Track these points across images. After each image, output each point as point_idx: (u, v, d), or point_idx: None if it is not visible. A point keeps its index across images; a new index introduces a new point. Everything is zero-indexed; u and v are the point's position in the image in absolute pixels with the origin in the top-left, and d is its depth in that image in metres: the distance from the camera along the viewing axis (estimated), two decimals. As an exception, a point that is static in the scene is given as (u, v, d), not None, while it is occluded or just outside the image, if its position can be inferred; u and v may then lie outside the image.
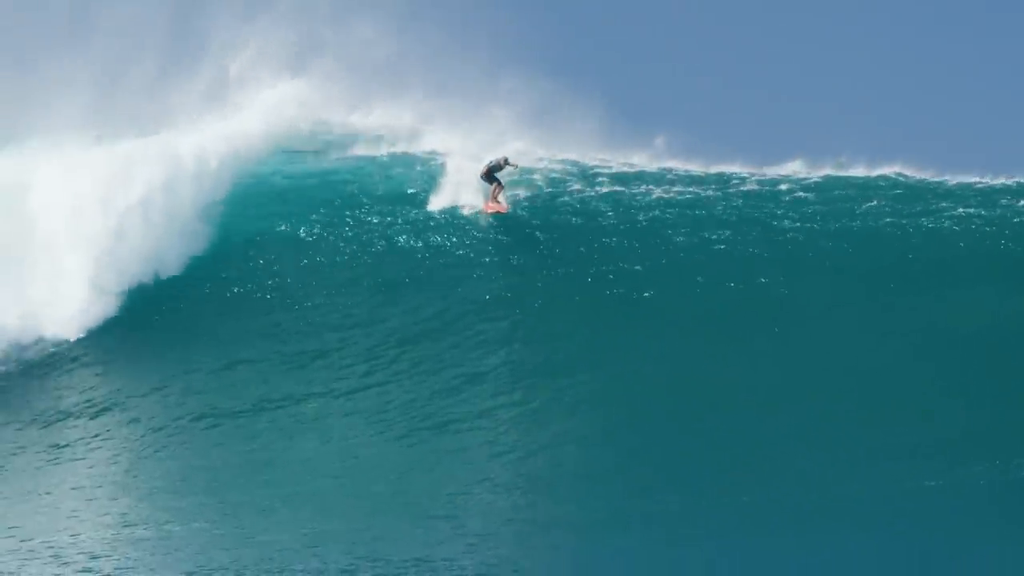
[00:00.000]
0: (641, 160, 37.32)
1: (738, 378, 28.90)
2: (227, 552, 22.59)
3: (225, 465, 27.33)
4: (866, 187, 34.86)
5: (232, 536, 23.60)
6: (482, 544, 23.25)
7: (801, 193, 34.87)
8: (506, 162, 35.02)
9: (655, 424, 27.74)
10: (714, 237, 33.49)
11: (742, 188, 35.46)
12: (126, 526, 23.97)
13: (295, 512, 24.67)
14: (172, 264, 34.35)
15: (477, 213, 34.71)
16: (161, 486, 26.34)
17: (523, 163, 35.68)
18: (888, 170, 35.38)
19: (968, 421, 27.06)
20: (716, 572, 22.76)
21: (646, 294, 31.89)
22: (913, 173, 35.23)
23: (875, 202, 34.01)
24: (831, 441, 26.81)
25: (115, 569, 21.72)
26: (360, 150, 38.30)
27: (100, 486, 26.34)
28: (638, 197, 35.51)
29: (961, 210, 33.17)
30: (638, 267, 32.89)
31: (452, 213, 35.42)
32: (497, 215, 34.50)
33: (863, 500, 25.10)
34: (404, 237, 34.97)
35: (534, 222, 34.86)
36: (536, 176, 36.45)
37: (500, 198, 34.93)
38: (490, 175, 35.10)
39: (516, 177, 35.40)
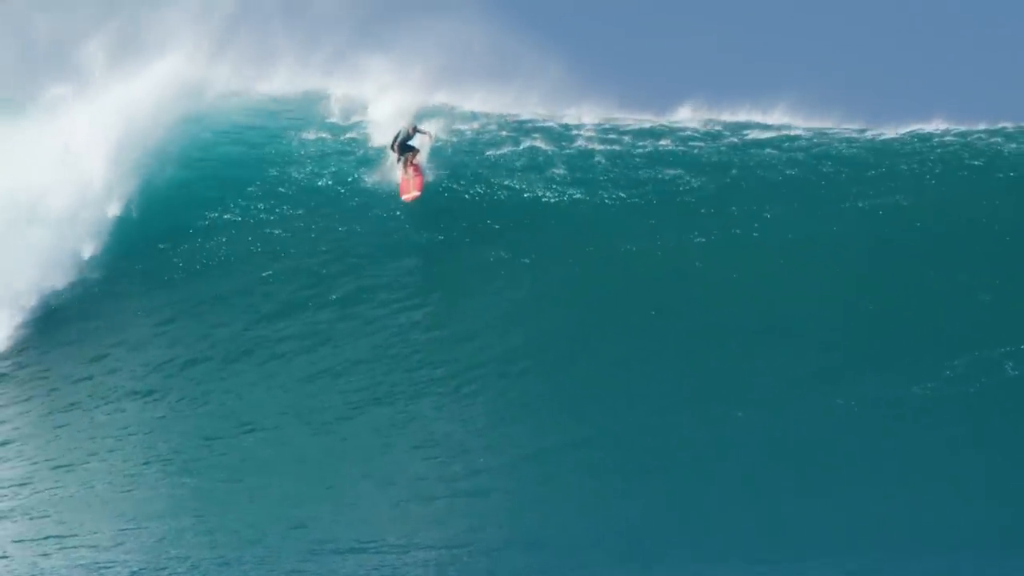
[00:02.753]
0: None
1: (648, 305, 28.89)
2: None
3: (167, 423, 27.21)
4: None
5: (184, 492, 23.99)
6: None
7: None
8: (415, 130, 32.64)
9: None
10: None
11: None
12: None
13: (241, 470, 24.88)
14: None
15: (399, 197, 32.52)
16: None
17: (434, 127, 33.43)
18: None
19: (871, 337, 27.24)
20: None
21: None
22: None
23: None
24: (738, 363, 26.94)
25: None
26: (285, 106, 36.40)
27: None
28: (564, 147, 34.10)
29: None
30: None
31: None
32: (415, 201, 32.24)
33: (773, 425, 25.24)
34: (319, 184, 33.79)
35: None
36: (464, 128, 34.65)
37: (417, 160, 32.39)
38: (403, 147, 32.59)
39: (437, 142, 33.28)
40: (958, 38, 43.20)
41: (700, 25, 43.78)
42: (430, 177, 32.54)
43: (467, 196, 32.70)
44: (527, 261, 30.65)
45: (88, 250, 32.63)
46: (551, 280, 30.01)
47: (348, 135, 34.80)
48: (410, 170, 32.65)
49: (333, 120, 35.16)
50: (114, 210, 32.96)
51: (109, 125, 33.69)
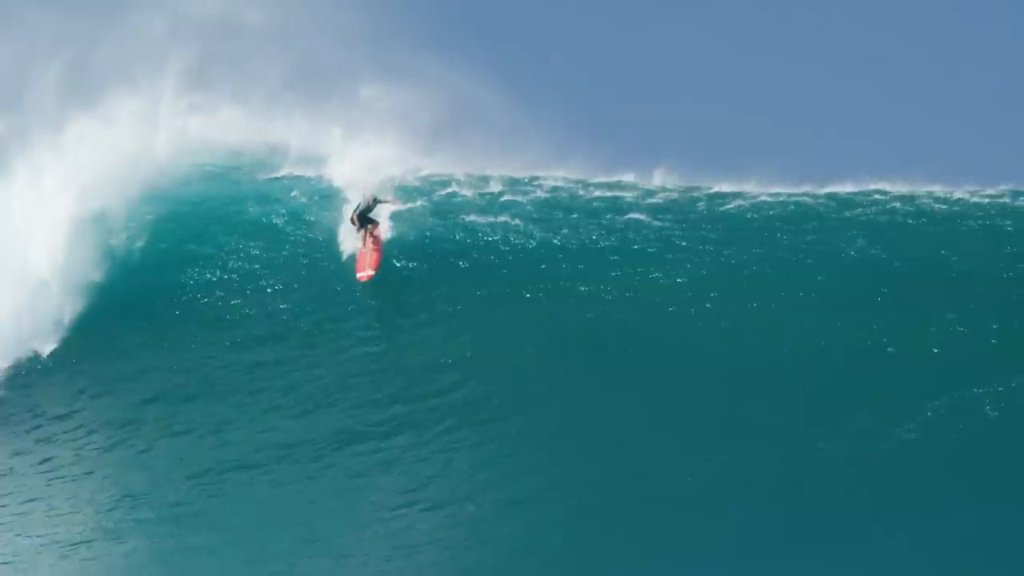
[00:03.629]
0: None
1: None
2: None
3: (150, 459, 26.98)
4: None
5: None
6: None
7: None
8: (375, 201, 31.49)
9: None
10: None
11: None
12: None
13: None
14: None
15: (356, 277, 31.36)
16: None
17: (390, 191, 32.79)
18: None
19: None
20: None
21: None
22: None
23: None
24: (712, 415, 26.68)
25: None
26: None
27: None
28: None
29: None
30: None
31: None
32: (368, 281, 31.12)
33: (757, 468, 25.17)
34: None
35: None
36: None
37: (377, 232, 31.24)
38: (363, 218, 31.37)
39: (400, 208, 32.51)
40: (927, 104, 43.83)
41: (679, 89, 44.00)
42: (392, 233, 31.96)
43: (429, 235, 32.39)
44: (495, 294, 30.55)
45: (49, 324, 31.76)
46: (519, 316, 29.85)
47: (310, 180, 34.49)
48: (369, 243, 31.47)
49: (295, 168, 34.80)
50: (71, 306, 31.75)
51: (60, 199, 32.60)
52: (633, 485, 24.82)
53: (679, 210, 32.23)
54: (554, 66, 43.88)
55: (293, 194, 34.06)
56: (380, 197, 31.78)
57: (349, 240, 31.88)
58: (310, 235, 32.70)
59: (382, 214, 31.78)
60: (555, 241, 31.64)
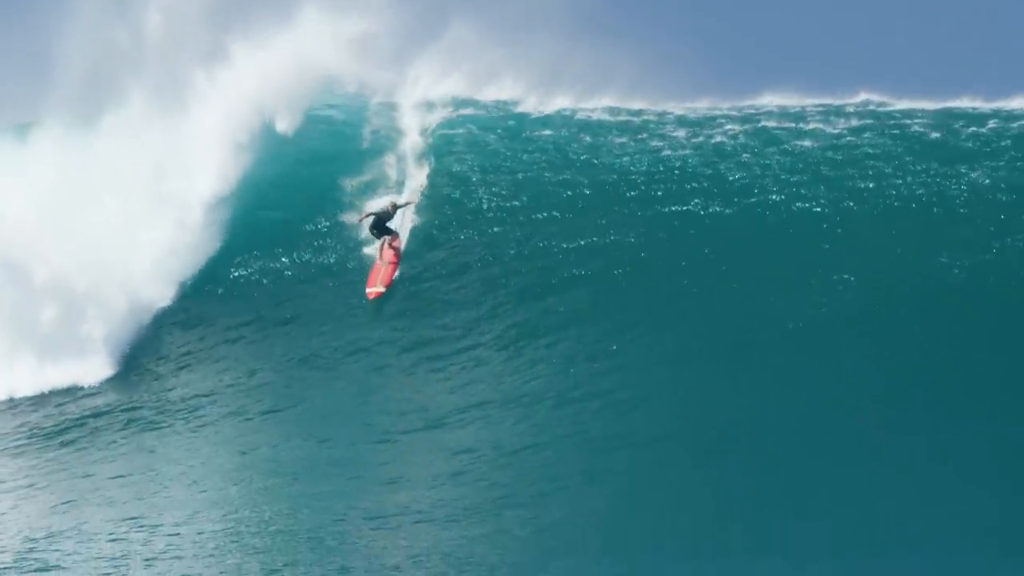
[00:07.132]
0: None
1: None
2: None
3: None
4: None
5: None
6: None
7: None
8: (394, 208, 29.70)
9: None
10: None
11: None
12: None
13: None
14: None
15: (365, 295, 29.48)
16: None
17: (413, 195, 31.48)
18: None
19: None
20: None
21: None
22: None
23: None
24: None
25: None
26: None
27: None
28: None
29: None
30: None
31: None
32: (377, 299, 29.01)
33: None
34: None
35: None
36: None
37: (396, 244, 29.50)
38: (381, 228, 29.57)
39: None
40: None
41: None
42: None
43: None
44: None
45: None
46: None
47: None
48: (386, 255, 29.55)
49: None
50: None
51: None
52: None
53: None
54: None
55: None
56: (399, 202, 30.24)
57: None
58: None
59: (404, 222, 30.64)
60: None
